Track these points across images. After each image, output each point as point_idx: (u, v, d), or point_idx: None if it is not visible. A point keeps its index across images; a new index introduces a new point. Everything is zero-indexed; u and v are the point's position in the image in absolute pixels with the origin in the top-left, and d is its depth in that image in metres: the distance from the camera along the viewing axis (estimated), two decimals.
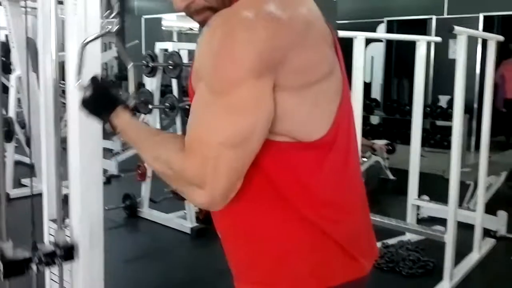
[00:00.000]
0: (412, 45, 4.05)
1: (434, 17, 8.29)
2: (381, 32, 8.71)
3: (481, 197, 3.82)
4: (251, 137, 0.93)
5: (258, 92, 0.91)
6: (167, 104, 4.31)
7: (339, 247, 1.05)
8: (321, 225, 1.03)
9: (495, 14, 7.88)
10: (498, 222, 4.18)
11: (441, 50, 7.78)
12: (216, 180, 0.93)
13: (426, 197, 4.36)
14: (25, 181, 5.32)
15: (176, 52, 4.31)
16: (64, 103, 2.05)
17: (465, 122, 5.59)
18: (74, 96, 1.93)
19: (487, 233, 4.05)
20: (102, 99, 1.21)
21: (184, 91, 4.27)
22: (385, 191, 5.83)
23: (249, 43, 0.90)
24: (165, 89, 5.34)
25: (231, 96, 0.91)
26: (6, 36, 5.07)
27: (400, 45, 8.74)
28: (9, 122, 4.90)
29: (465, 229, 3.70)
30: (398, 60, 8.99)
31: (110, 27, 1.43)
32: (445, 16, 8.23)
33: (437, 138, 7.70)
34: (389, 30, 8.69)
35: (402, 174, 4.87)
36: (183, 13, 1.07)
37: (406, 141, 4.66)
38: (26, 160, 5.84)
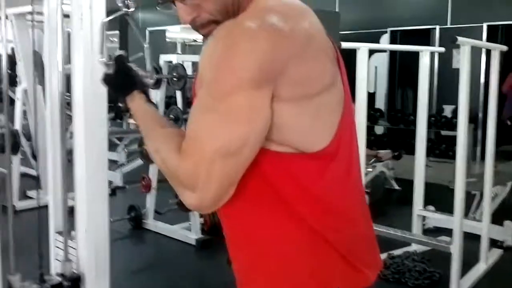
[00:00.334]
0: (416, 54, 4.06)
1: (437, 27, 8.30)
2: (384, 42, 8.72)
3: (487, 207, 3.80)
4: (245, 146, 0.94)
5: (254, 102, 0.93)
6: (171, 116, 4.32)
7: (340, 255, 1.05)
8: (323, 233, 1.03)
9: (499, 23, 7.88)
10: (505, 232, 4.16)
11: (445, 59, 7.79)
12: (207, 186, 0.95)
13: (431, 208, 4.34)
14: (31, 193, 5.34)
15: (180, 64, 4.34)
16: (70, 115, 2.07)
17: (470, 131, 5.59)
18: (80, 109, 1.94)
19: (493, 243, 4.03)
20: (122, 79, 1.24)
21: (189, 103, 4.29)
22: (390, 201, 5.82)
23: (250, 53, 0.92)
24: (170, 101, 5.36)
25: (229, 103, 0.93)
26: (12, 49, 5.11)
27: (404, 55, 8.74)
28: (15, 134, 4.92)
29: (471, 240, 3.68)
30: (402, 70, 8.99)
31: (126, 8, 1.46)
32: (449, 26, 8.24)
33: (442, 148, 7.68)
34: (392, 40, 8.70)
35: (407, 184, 4.86)
36: (188, 25, 1.09)
37: (411, 151, 4.65)
38: (32, 172, 5.85)
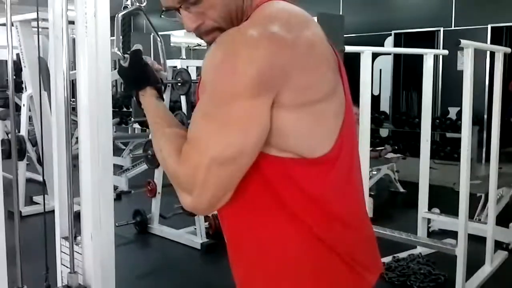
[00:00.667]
0: (420, 57, 4.07)
1: (441, 29, 8.30)
2: (389, 45, 8.72)
3: (492, 209, 3.79)
4: (242, 154, 0.96)
5: (252, 111, 0.94)
6: None
7: (341, 260, 1.06)
8: (323, 238, 1.04)
9: (503, 25, 7.87)
10: (510, 234, 4.15)
11: (450, 61, 7.78)
12: (203, 191, 0.97)
13: (436, 210, 4.34)
14: (37, 198, 5.36)
15: (185, 69, 4.36)
16: (75, 121, 2.08)
17: (474, 133, 5.57)
18: (85, 114, 1.96)
19: (499, 245, 4.01)
20: (136, 73, 1.26)
21: (193, 107, 4.30)
22: (396, 204, 5.81)
23: (251, 61, 0.92)
24: (174, 105, 5.38)
25: (227, 111, 0.94)
26: (18, 55, 5.15)
27: (408, 58, 8.74)
28: (20, 140, 4.95)
29: (476, 242, 3.67)
30: (407, 72, 8.99)
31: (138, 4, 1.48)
32: (453, 28, 8.24)
33: (447, 150, 7.66)
34: (396, 43, 8.70)
35: (412, 187, 4.85)
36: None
37: (416, 153, 4.65)
38: (38, 177, 5.89)
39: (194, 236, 4.32)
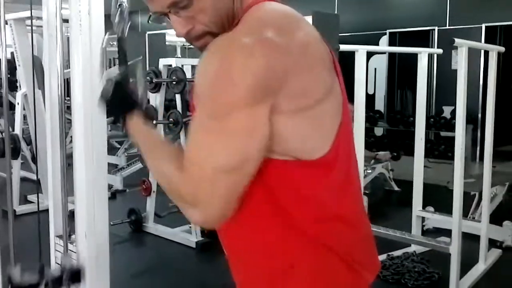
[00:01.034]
0: (414, 56, 4.08)
1: (436, 28, 8.32)
2: (383, 44, 8.74)
3: (486, 208, 3.81)
4: (246, 162, 0.94)
5: (253, 118, 0.92)
6: (171, 119, 4.33)
7: (341, 260, 1.06)
8: (324, 239, 1.04)
9: (497, 24, 7.90)
10: (504, 233, 4.17)
11: (444, 61, 7.81)
12: (210, 203, 0.95)
13: (431, 208, 4.35)
14: (31, 197, 5.34)
15: (180, 67, 4.35)
16: (69, 119, 2.08)
17: (469, 132, 5.58)
18: (80, 113, 1.96)
19: (492, 243, 4.03)
20: (120, 98, 1.19)
21: (188, 106, 4.30)
22: (390, 202, 5.82)
23: (246, 69, 0.90)
24: (169, 104, 5.37)
25: (227, 121, 0.92)
26: (12, 54, 5.13)
27: (402, 57, 8.76)
28: (15, 139, 4.93)
29: (470, 240, 3.69)
30: (401, 71, 9.01)
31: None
32: (447, 27, 8.26)
33: (441, 149, 7.67)
34: (391, 42, 8.72)
35: (407, 186, 4.87)
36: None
37: (410, 152, 4.66)
38: (32, 176, 5.87)
39: (189, 235, 4.32)
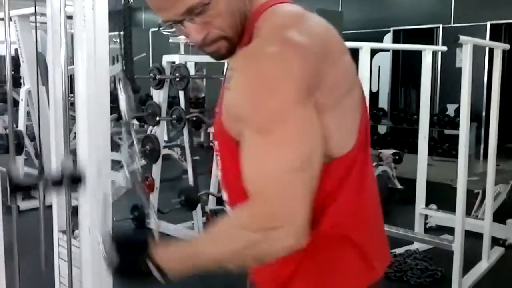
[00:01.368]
0: (419, 54, 4.07)
1: (440, 26, 8.30)
2: (387, 42, 8.72)
3: (489, 206, 3.81)
4: (311, 162, 0.93)
5: (307, 120, 0.92)
6: (174, 116, 4.34)
7: (355, 248, 1.07)
8: (339, 230, 1.05)
9: (502, 22, 7.87)
10: (507, 231, 4.16)
11: (449, 58, 7.78)
12: (293, 208, 0.92)
13: (434, 206, 4.35)
14: (34, 193, 5.35)
15: (183, 64, 4.36)
16: (73, 116, 2.09)
17: (473, 130, 5.58)
18: (83, 109, 1.96)
19: (495, 241, 4.03)
20: (130, 259, 1.06)
21: (191, 103, 4.30)
22: (393, 200, 5.81)
23: (285, 75, 0.90)
24: (172, 101, 5.38)
25: (282, 131, 0.90)
26: (16, 50, 5.14)
27: (406, 54, 8.74)
28: (18, 135, 4.95)
29: (473, 238, 3.69)
30: (405, 69, 8.99)
31: None
32: (452, 25, 8.23)
33: (445, 147, 7.67)
34: (395, 40, 8.70)
35: (410, 183, 4.86)
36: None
37: (414, 150, 4.66)
38: (36, 172, 5.88)
39: (192, 231, 4.32)
